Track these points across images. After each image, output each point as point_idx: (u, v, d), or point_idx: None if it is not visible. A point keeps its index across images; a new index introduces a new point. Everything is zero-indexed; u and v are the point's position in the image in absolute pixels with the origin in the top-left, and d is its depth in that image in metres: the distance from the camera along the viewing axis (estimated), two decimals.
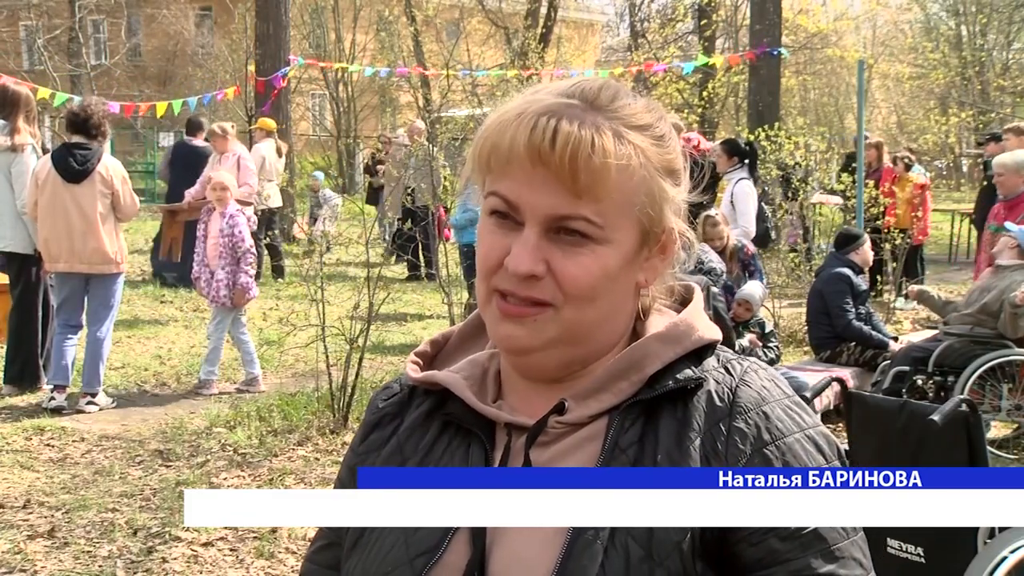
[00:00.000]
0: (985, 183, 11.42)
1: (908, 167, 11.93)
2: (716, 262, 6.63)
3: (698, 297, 1.23)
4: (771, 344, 7.10)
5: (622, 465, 1.10)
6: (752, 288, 7.17)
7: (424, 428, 1.23)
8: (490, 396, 1.21)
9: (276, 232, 11.77)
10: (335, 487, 1.33)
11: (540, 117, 1.09)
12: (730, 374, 1.16)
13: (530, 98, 1.13)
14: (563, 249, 1.10)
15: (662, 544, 1.06)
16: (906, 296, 11.42)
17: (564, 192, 1.08)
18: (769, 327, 7.36)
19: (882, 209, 10.01)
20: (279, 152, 12.81)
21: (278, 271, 12.69)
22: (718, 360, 1.18)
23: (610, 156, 1.08)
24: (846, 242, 7.55)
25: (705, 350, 1.18)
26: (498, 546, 1.11)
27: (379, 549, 1.16)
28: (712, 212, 7.44)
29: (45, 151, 7.34)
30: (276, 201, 11.98)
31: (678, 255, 1.20)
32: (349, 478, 1.28)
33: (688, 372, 1.15)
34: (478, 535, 1.11)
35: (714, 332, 1.19)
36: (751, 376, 1.16)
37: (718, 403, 1.13)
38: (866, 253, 7.54)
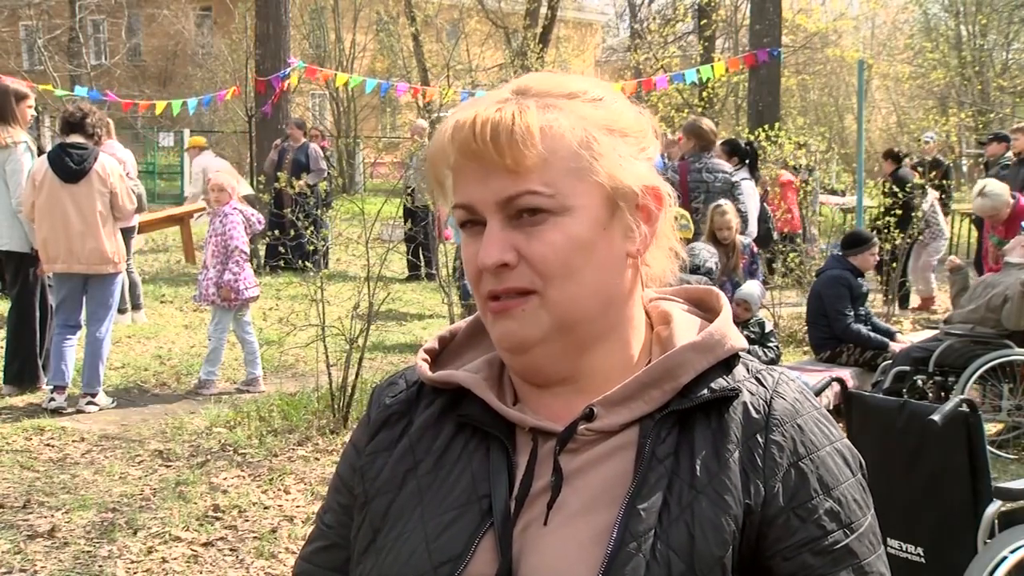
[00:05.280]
0: None
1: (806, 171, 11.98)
2: (711, 261, 6.60)
3: (727, 306, 1.22)
4: (771, 344, 7.09)
5: (659, 476, 1.08)
6: (750, 288, 7.12)
7: (436, 429, 1.19)
8: (509, 399, 1.18)
9: None
10: (333, 486, 1.28)
11: (460, 115, 1.11)
12: (763, 385, 1.15)
13: (459, 108, 1.15)
14: (526, 232, 1.09)
15: (704, 558, 1.05)
16: (904, 299, 11.45)
17: (501, 173, 1.08)
18: (769, 327, 7.35)
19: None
20: (215, 153, 13.71)
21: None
22: (748, 370, 1.17)
23: (532, 124, 1.08)
24: (853, 244, 7.49)
25: (733, 358, 1.17)
26: (528, 555, 1.08)
27: (397, 555, 1.12)
28: (721, 202, 7.36)
29: (41, 152, 7.34)
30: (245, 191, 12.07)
31: (667, 220, 1.17)
32: (353, 478, 1.23)
33: (722, 382, 1.13)
34: (505, 543, 1.08)
35: (742, 341, 1.18)
36: (784, 388, 1.15)
37: (754, 415, 1.12)
38: (868, 259, 7.48)
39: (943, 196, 12.70)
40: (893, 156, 11.84)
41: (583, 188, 1.10)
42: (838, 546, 1.08)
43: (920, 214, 10.48)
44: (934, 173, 12.40)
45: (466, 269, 1.14)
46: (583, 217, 1.10)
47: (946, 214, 12.72)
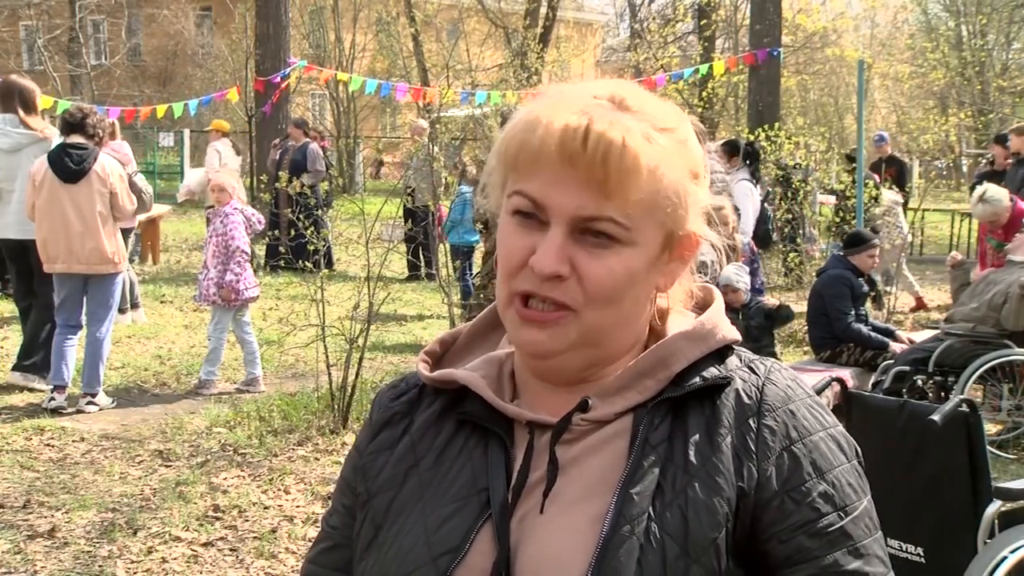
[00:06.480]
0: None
1: None
2: (708, 255, 6.56)
3: (719, 298, 1.24)
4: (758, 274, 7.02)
5: (652, 461, 1.10)
6: (726, 272, 7.05)
7: (437, 427, 1.21)
8: (508, 395, 1.20)
9: None
10: (337, 489, 1.31)
11: (571, 116, 1.09)
12: (755, 373, 1.17)
13: (558, 97, 1.13)
14: (588, 250, 1.09)
15: (698, 541, 1.06)
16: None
17: (593, 192, 1.08)
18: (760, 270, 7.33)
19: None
20: (236, 151, 13.69)
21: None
22: (740, 360, 1.19)
23: (641, 157, 1.08)
24: (854, 243, 7.48)
25: (726, 350, 1.19)
26: (526, 543, 1.10)
27: (398, 549, 1.14)
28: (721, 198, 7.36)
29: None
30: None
31: (696, 260, 1.20)
32: (355, 478, 1.26)
33: (714, 370, 1.15)
34: (503, 532, 1.10)
35: (735, 333, 1.20)
36: (776, 375, 1.17)
37: (746, 401, 1.14)
38: (867, 259, 7.47)
39: (905, 197, 12.77)
40: (846, 157, 11.90)
41: (653, 227, 1.12)
42: (832, 528, 1.09)
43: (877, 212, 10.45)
44: (892, 172, 12.48)
45: (504, 257, 1.13)
46: (644, 253, 1.12)
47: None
